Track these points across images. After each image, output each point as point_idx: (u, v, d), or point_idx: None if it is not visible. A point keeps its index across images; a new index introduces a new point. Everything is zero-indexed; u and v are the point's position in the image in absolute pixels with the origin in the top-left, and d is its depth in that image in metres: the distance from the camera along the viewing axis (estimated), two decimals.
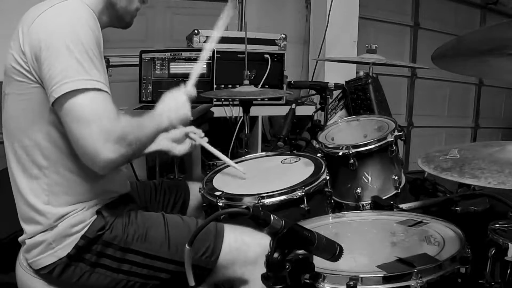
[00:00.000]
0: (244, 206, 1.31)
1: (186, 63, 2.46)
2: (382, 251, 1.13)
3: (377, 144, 1.66)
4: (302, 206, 1.41)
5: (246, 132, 2.09)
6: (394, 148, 1.69)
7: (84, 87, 1.00)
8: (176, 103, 1.21)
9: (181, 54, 2.47)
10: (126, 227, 1.17)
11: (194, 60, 2.44)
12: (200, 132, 1.57)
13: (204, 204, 1.50)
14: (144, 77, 2.50)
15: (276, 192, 1.40)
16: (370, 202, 1.65)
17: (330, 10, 3.04)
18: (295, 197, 1.40)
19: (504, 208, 1.50)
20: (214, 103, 2.42)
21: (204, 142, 1.57)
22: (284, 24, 3.36)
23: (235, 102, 2.61)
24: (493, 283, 1.11)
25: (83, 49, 1.01)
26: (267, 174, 1.65)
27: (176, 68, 2.46)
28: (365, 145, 1.66)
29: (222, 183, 1.55)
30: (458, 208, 1.64)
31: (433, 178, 1.99)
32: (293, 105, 1.97)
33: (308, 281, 0.94)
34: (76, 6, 1.07)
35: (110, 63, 2.46)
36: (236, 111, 2.64)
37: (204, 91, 2.12)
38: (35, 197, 1.11)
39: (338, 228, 1.32)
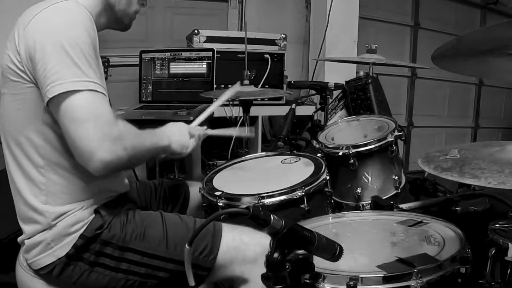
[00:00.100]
0: (244, 206, 1.32)
1: (186, 63, 2.46)
2: (382, 251, 1.13)
3: (377, 144, 1.66)
4: (302, 206, 1.41)
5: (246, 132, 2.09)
6: (394, 148, 1.69)
7: (80, 88, 1.00)
8: (179, 130, 1.25)
9: (181, 54, 2.47)
10: (124, 226, 1.17)
11: (194, 60, 2.44)
12: (201, 128, 1.57)
13: (204, 204, 1.50)
14: (144, 77, 2.50)
15: (276, 192, 1.40)
16: (370, 202, 1.65)
17: (330, 10, 3.04)
18: (295, 197, 1.40)
19: (504, 208, 1.50)
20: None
21: (208, 131, 1.57)
22: (284, 24, 3.36)
23: (235, 102, 2.61)
24: (493, 283, 1.11)
25: (79, 50, 1.01)
26: (267, 174, 1.65)
27: (176, 68, 2.46)
28: (365, 145, 1.66)
29: (222, 183, 1.55)
30: (458, 208, 1.64)
31: (433, 178, 1.99)
32: (293, 105, 1.97)
33: (308, 281, 0.94)
34: (71, 7, 1.07)
35: (110, 63, 2.46)
36: (236, 111, 2.64)
37: (204, 91, 2.12)
38: (33, 196, 1.11)
39: (338, 228, 1.32)
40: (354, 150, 1.65)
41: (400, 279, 0.94)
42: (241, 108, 2.13)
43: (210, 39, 2.63)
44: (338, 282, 0.95)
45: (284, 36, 2.83)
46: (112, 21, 1.25)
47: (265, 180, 1.57)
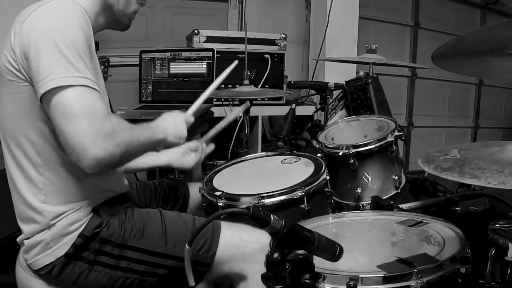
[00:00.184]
0: (244, 206, 1.32)
1: (186, 63, 2.46)
2: (382, 251, 1.13)
3: (377, 144, 1.66)
4: (302, 206, 1.41)
5: (246, 132, 2.09)
6: (394, 148, 1.69)
7: (72, 83, 0.99)
8: (174, 121, 1.19)
9: (181, 54, 2.47)
10: (123, 223, 1.17)
11: (194, 60, 2.44)
12: (201, 139, 1.58)
13: (204, 204, 1.50)
14: (144, 77, 2.50)
15: (276, 192, 1.40)
16: (370, 202, 1.65)
17: (330, 10, 3.04)
18: (295, 197, 1.40)
19: (504, 208, 1.50)
20: (214, 103, 2.42)
21: (209, 135, 1.57)
22: (284, 24, 3.36)
23: (235, 102, 2.61)
24: (493, 283, 1.10)
25: (72, 47, 1.01)
26: (267, 174, 1.65)
27: (176, 68, 2.46)
28: (365, 145, 1.66)
29: (222, 183, 1.55)
30: (458, 208, 1.64)
31: (433, 178, 1.99)
32: (293, 105, 1.97)
33: (308, 281, 0.94)
34: (66, 5, 1.07)
35: (110, 63, 2.46)
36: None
37: (204, 91, 2.11)
38: (32, 196, 1.11)
39: (338, 228, 1.32)
40: (354, 150, 1.65)
41: (400, 279, 0.94)
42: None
43: (210, 39, 2.63)
44: (338, 282, 0.95)
45: (284, 36, 2.83)
46: (111, 21, 1.25)
47: (265, 180, 1.57)
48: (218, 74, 2.41)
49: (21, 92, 1.07)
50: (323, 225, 1.33)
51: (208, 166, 2.64)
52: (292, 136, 2.06)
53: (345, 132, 1.91)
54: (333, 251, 0.89)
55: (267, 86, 2.69)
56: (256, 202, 1.37)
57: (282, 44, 2.83)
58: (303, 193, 1.40)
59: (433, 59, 1.17)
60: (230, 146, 2.66)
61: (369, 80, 2.69)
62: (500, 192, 1.56)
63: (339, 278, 0.96)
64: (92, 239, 1.13)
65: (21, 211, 1.14)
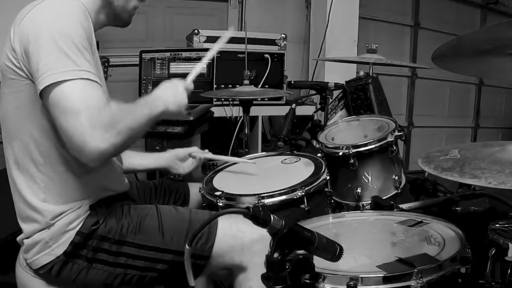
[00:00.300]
0: (244, 206, 1.32)
1: (186, 63, 2.46)
2: (382, 251, 1.13)
3: (377, 144, 1.66)
4: (302, 206, 1.41)
5: (246, 132, 2.09)
6: (394, 148, 1.69)
7: (70, 77, 0.98)
8: (174, 90, 1.15)
9: (181, 54, 2.47)
10: (120, 219, 1.17)
11: (194, 60, 2.44)
12: (202, 151, 1.59)
13: (204, 204, 1.50)
14: (144, 77, 2.50)
15: (276, 192, 1.40)
16: (370, 202, 1.64)
17: (330, 10, 3.04)
18: (295, 197, 1.40)
19: (504, 208, 1.50)
20: (214, 103, 2.42)
21: (209, 155, 1.59)
22: (284, 24, 3.36)
23: (235, 102, 2.61)
24: (493, 283, 1.10)
25: (71, 42, 1.01)
26: (267, 174, 1.65)
27: (176, 68, 2.46)
28: (365, 145, 1.66)
29: (222, 183, 1.55)
30: (458, 208, 1.64)
31: (434, 178, 1.99)
32: (293, 105, 1.97)
33: (308, 281, 0.94)
34: (64, 1, 1.07)
35: (110, 63, 2.46)
36: (236, 111, 2.63)
37: (204, 91, 2.12)
38: (32, 194, 1.11)
39: (338, 228, 1.31)
40: (354, 150, 1.64)
41: (400, 279, 0.93)
42: (241, 108, 2.14)
43: (210, 39, 2.63)
44: (338, 282, 0.95)
45: (284, 36, 2.83)
46: (111, 18, 1.25)
47: (265, 180, 1.57)
48: (218, 74, 2.43)
49: (23, 91, 1.07)
50: (323, 225, 1.33)
51: (208, 166, 2.64)
52: (292, 136, 2.06)
53: (345, 132, 1.91)
54: (333, 251, 0.89)
55: (267, 86, 2.69)
56: (256, 202, 1.36)
57: (282, 44, 2.83)
58: (303, 193, 1.40)
59: (433, 59, 1.17)
60: (230, 146, 2.66)
61: (369, 80, 2.68)
62: (500, 192, 1.56)
63: (339, 278, 0.96)
64: (90, 237, 1.13)
65: (21, 211, 1.15)
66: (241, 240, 1.20)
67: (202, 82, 2.41)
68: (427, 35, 4.07)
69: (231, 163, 1.71)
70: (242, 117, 2.38)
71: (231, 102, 2.62)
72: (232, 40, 2.64)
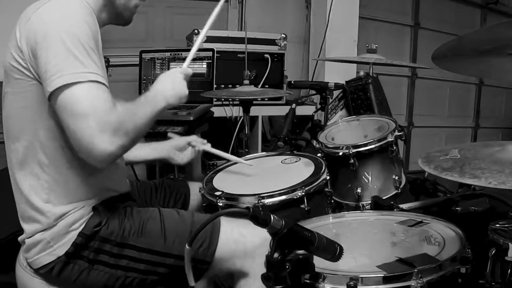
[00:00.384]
0: (244, 206, 1.32)
1: None
2: (383, 251, 1.13)
3: (377, 144, 1.66)
4: (302, 206, 1.41)
5: (246, 132, 2.09)
6: (395, 148, 1.69)
7: (80, 80, 0.99)
8: (172, 82, 1.15)
9: (181, 54, 2.47)
10: (122, 222, 1.17)
11: (194, 60, 2.43)
12: (202, 140, 1.58)
13: (204, 204, 1.50)
14: (144, 77, 2.50)
15: (276, 192, 1.40)
16: (370, 202, 1.65)
17: (330, 10, 3.04)
18: (295, 197, 1.40)
19: (504, 208, 1.50)
20: (214, 103, 2.42)
21: (208, 147, 1.58)
22: (284, 24, 3.36)
23: (235, 102, 2.61)
24: (493, 283, 1.10)
25: (79, 42, 1.01)
26: (267, 174, 1.65)
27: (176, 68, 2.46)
28: (365, 145, 1.66)
29: (222, 183, 1.55)
30: (458, 208, 1.64)
31: (434, 178, 1.99)
32: (293, 105, 1.97)
33: (308, 281, 0.94)
34: (70, 1, 1.07)
35: (110, 63, 2.46)
36: (236, 111, 2.63)
37: (204, 91, 2.12)
38: (35, 195, 1.11)
39: (338, 228, 1.31)
40: (354, 150, 1.65)
41: (400, 279, 0.94)
42: (241, 108, 2.14)
43: (210, 39, 2.63)
44: (338, 282, 0.95)
45: (284, 36, 2.83)
46: (112, 16, 1.25)
47: (265, 180, 1.57)
48: (218, 74, 2.43)
49: (30, 91, 1.07)
50: (323, 225, 1.33)
51: (208, 166, 2.64)
52: (292, 136, 2.06)
53: (345, 132, 1.91)
54: (333, 251, 0.89)
55: (267, 86, 2.69)
56: (256, 202, 1.36)
57: (282, 44, 2.83)
58: (303, 193, 1.40)
59: (433, 59, 1.17)
60: (230, 146, 2.66)
61: (369, 80, 2.68)
62: (500, 192, 1.56)
63: (339, 278, 0.96)
64: (92, 238, 1.13)
65: (23, 211, 1.14)
66: (243, 245, 1.20)
67: (202, 82, 2.41)
68: (427, 35, 4.06)
69: (231, 163, 1.71)
70: (242, 117, 2.38)
71: (231, 102, 2.62)
72: (232, 40, 2.66)
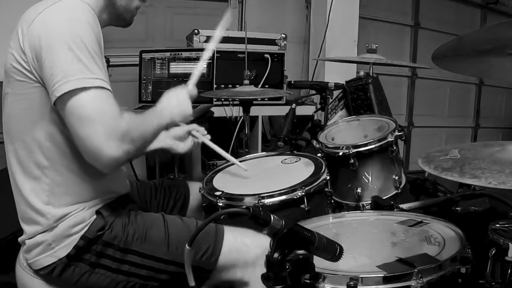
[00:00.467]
0: (244, 206, 1.31)
1: (186, 63, 2.46)
2: (383, 251, 1.13)
3: (377, 144, 1.66)
4: (302, 206, 1.41)
5: (246, 132, 2.09)
6: (395, 148, 1.69)
7: (86, 85, 1.00)
8: (177, 100, 1.20)
9: (181, 54, 2.47)
10: (126, 227, 1.17)
11: (194, 60, 2.44)
12: (202, 130, 1.57)
13: (204, 204, 1.50)
14: (144, 77, 2.50)
15: (276, 192, 1.39)
16: (370, 202, 1.65)
17: (330, 10, 3.04)
18: (295, 197, 1.40)
19: (504, 208, 1.50)
20: (214, 103, 2.42)
21: (207, 139, 1.57)
22: (284, 23, 3.36)
23: (235, 102, 2.61)
24: (493, 283, 1.10)
25: (84, 47, 1.01)
26: (267, 174, 1.65)
27: (176, 68, 2.46)
28: (365, 145, 1.66)
29: (222, 183, 1.55)
30: (458, 208, 1.64)
31: (434, 178, 1.99)
32: (293, 105, 1.97)
33: (308, 281, 0.94)
34: (75, 4, 1.07)
35: (110, 63, 2.46)
36: (236, 111, 2.63)
37: (204, 91, 2.12)
38: (35, 197, 1.11)
39: (339, 228, 1.31)
40: (354, 150, 1.65)
41: (400, 279, 0.94)
42: (241, 108, 2.13)
43: (210, 39, 2.62)
44: (338, 282, 0.95)
45: (284, 36, 2.83)
46: (113, 18, 1.25)
47: (265, 180, 1.57)
48: (218, 74, 2.43)
49: (32, 93, 1.06)
50: (323, 225, 1.33)
51: (208, 166, 2.64)
52: (292, 136, 2.06)
53: (345, 132, 1.91)
54: (333, 251, 0.89)
55: (267, 86, 2.69)
56: (256, 202, 1.36)
57: (282, 44, 2.83)
58: (303, 193, 1.40)
59: (434, 59, 1.17)
60: (230, 146, 2.66)
61: (369, 80, 2.69)
62: (500, 192, 1.56)
63: (339, 278, 0.96)
64: (95, 242, 1.13)
65: (23, 212, 1.14)
66: (245, 255, 1.20)
67: (202, 82, 2.40)
68: (427, 35, 4.07)
69: (231, 163, 1.71)
70: (242, 117, 2.38)
71: (231, 102, 2.62)
72: (232, 40, 2.66)
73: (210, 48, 1.40)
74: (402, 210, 1.53)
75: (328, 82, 2.25)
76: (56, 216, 1.11)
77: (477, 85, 4.55)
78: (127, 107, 2.34)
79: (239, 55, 2.63)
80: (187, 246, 0.85)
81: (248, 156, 1.82)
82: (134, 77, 2.55)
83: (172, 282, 1.20)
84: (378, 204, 1.56)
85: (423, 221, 1.26)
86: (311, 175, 1.51)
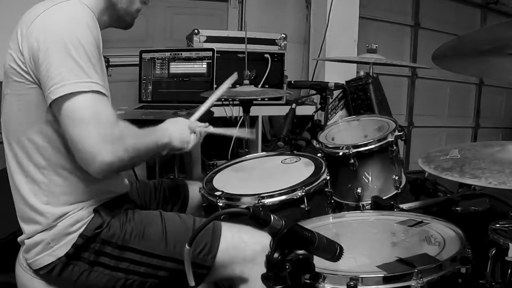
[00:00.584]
0: (244, 206, 1.31)
1: (186, 63, 2.46)
2: (383, 251, 1.13)
3: (377, 144, 1.66)
4: (302, 206, 1.41)
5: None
6: (395, 148, 1.69)
7: (82, 89, 1.00)
8: (178, 126, 1.23)
9: (181, 54, 2.47)
10: (124, 225, 1.17)
11: (194, 60, 2.44)
12: (204, 124, 1.57)
13: (204, 204, 1.50)
14: (144, 77, 2.50)
15: (276, 192, 1.40)
16: (370, 202, 1.64)
17: (330, 9, 3.04)
18: (295, 197, 1.40)
19: (504, 208, 1.50)
20: (214, 103, 2.41)
21: (210, 129, 1.57)
22: (284, 23, 3.36)
23: (235, 102, 2.61)
24: (493, 283, 1.10)
25: (82, 50, 1.01)
26: (267, 174, 1.65)
27: (176, 68, 2.46)
28: (366, 145, 1.66)
29: (222, 183, 1.55)
30: (458, 208, 1.64)
31: (434, 178, 1.99)
32: (293, 105, 1.97)
33: (308, 281, 0.94)
34: (74, 7, 1.06)
35: (110, 63, 2.46)
36: (236, 111, 2.63)
37: (204, 91, 2.12)
38: (34, 197, 1.11)
39: (339, 228, 1.31)
40: (354, 150, 1.65)
41: (401, 279, 0.93)
42: (241, 108, 2.13)
43: (210, 39, 2.63)
44: (339, 282, 0.95)
45: (284, 36, 2.83)
46: (114, 20, 1.25)
47: (265, 180, 1.57)
48: (218, 74, 2.43)
49: (28, 94, 1.07)
50: (323, 225, 1.33)
51: (208, 166, 2.64)
52: (292, 136, 2.06)
53: (345, 132, 1.91)
54: (333, 251, 0.89)
55: (267, 86, 2.69)
56: (256, 202, 1.36)
57: (282, 44, 2.83)
58: (303, 193, 1.40)
59: (434, 59, 1.17)
60: (230, 146, 2.66)
61: (369, 80, 2.69)
62: (500, 192, 1.56)
63: (339, 278, 0.96)
64: (93, 240, 1.13)
65: (22, 212, 1.14)
66: (243, 252, 1.20)
67: (202, 82, 2.41)
68: (427, 35, 4.06)
69: (231, 162, 1.71)
70: (242, 117, 2.38)
71: (231, 102, 2.62)
72: (232, 40, 2.66)
73: (216, 94, 1.51)
74: (402, 210, 1.53)
75: (328, 82, 2.26)
76: (56, 215, 1.11)
77: (477, 85, 4.55)
78: (127, 107, 2.36)
79: (239, 55, 2.63)
80: (187, 246, 0.85)
81: (248, 156, 1.82)
82: (134, 77, 2.55)
83: (171, 280, 1.20)
84: (378, 204, 1.56)
85: (423, 221, 1.26)
86: (311, 175, 1.51)
